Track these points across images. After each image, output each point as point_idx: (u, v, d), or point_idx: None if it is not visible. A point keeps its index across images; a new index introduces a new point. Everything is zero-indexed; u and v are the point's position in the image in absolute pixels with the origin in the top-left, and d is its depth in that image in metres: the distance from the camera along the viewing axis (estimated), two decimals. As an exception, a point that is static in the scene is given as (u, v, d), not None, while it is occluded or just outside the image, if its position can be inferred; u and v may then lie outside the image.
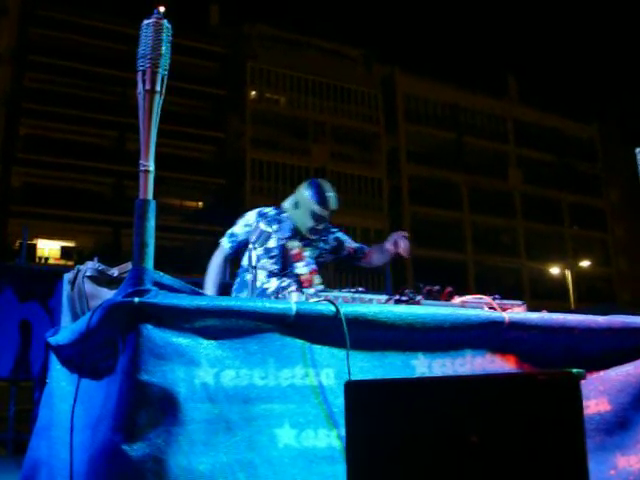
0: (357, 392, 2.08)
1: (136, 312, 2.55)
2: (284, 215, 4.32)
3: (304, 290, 3.37)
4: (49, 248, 32.06)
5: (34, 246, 29.69)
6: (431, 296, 3.48)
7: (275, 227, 4.26)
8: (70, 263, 29.23)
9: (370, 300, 3.32)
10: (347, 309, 2.90)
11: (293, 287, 4.03)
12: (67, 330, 3.46)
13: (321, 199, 4.20)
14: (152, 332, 2.55)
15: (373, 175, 38.57)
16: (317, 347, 2.84)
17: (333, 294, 3.28)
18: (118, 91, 33.13)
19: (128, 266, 3.66)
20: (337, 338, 2.84)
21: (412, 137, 40.55)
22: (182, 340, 2.60)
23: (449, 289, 3.57)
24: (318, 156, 34.05)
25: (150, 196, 2.76)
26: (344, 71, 38.84)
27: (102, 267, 3.62)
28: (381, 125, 39.79)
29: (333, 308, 2.86)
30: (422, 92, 41.36)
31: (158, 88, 2.87)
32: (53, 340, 3.66)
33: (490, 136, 43.23)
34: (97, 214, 31.65)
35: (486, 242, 41.14)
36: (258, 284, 4.09)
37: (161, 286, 2.67)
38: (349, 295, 3.32)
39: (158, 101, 2.88)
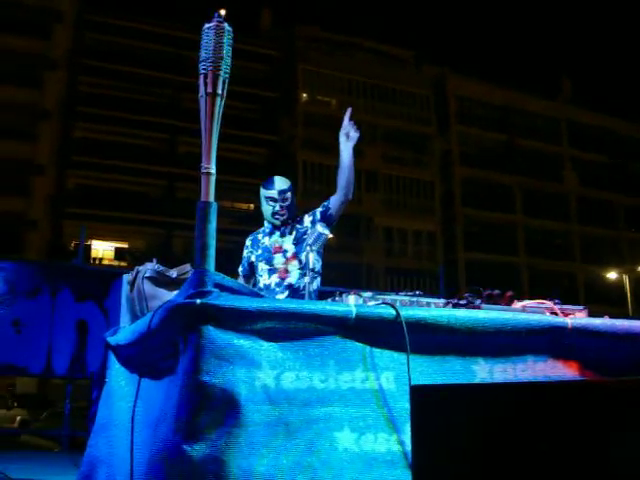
0: (423, 396, 2.06)
1: (198, 313, 2.57)
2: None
3: (361, 293, 3.35)
4: (103, 249, 32.64)
5: (89, 247, 30.25)
6: (491, 300, 3.43)
7: (261, 236, 4.58)
8: (123, 264, 29.71)
9: (429, 304, 3.30)
10: (407, 312, 2.88)
11: (275, 278, 4.35)
12: (127, 330, 3.50)
13: (266, 182, 4.51)
14: (213, 333, 2.57)
15: (425, 178, 38.33)
16: (377, 350, 2.83)
17: (391, 297, 3.26)
18: (170, 94, 33.56)
19: (187, 267, 3.69)
20: (397, 341, 2.83)
21: (464, 139, 40.21)
22: (243, 342, 2.61)
23: (509, 293, 3.52)
24: (370, 158, 33.97)
25: (211, 198, 2.79)
26: (395, 73, 38.70)
27: (161, 268, 3.65)
28: (433, 127, 39.54)
29: (393, 311, 2.85)
30: (474, 93, 40.97)
31: (220, 91, 2.89)
32: (112, 340, 3.71)
33: (544, 138, 42.58)
34: (149, 216, 32.08)
35: (540, 245, 40.52)
36: (262, 284, 4.40)
37: (222, 288, 2.68)
38: (407, 298, 3.29)
39: (219, 104, 2.89)
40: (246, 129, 34.41)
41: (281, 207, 4.42)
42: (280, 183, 4.47)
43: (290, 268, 4.35)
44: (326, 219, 4.41)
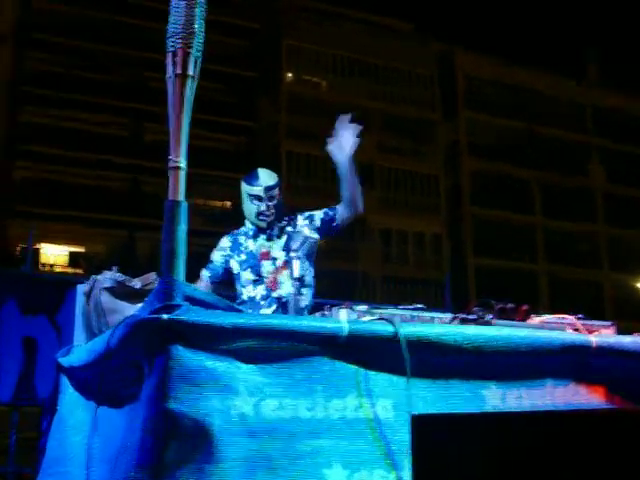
0: (426, 427, 2.07)
1: (165, 331, 2.56)
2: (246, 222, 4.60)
3: (354, 307, 3.36)
4: (55, 254, 32.55)
5: (38, 251, 30.17)
6: (504, 315, 3.45)
7: (243, 239, 4.54)
8: (78, 271, 29.65)
9: (432, 319, 3.32)
10: (407, 330, 2.89)
11: (261, 289, 4.34)
12: (82, 350, 3.50)
13: (250, 177, 4.46)
14: (183, 354, 2.56)
15: (429, 171, 38.46)
16: (372, 373, 2.84)
17: (389, 311, 3.27)
18: (135, 74, 33.52)
19: (152, 277, 3.70)
20: (395, 363, 2.84)
21: (474, 126, 40.36)
22: (218, 364, 2.61)
23: (525, 307, 3.54)
24: (365, 149, 33.68)
25: (181, 196, 2.79)
26: (395, 49, 38.81)
27: (122, 278, 3.66)
28: (438, 112, 39.67)
29: (391, 328, 2.85)
30: (486, 73, 41.15)
31: (191, 72, 2.89)
32: (65, 361, 3.71)
33: (567, 126, 42.78)
34: (109, 215, 32.01)
35: (561, 250, 40.69)
36: (245, 296, 4.38)
37: (193, 301, 2.68)
38: (408, 313, 3.31)
39: (191, 86, 2.90)
40: (221, 114, 34.42)
41: (267, 207, 4.37)
42: (266, 178, 4.43)
43: (281, 278, 4.34)
44: (329, 230, 4.41)
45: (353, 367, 2.82)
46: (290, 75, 37.30)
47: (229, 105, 35.66)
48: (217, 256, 4.58)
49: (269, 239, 4.43)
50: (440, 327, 3.04)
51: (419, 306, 3.39)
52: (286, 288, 4.29)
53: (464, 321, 3.32)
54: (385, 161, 37.01)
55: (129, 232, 32.31)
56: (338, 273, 30.44)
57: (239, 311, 2.84)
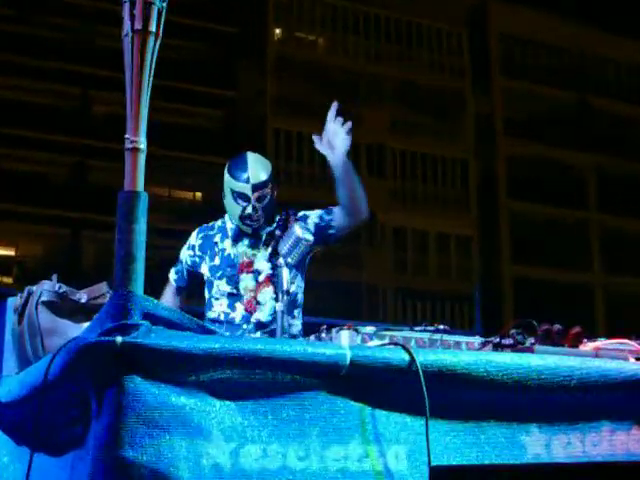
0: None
1: (119, 358, 2.56)
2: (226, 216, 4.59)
3: (359, 328, 3.37)
4: (-23, 258, 32.56)
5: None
6: (549, 339, 3.47)
7: (218, 237, 4.53)
8: (7, 280, 29.61)
9: (458, 344, 3.33)
10: (426, 358, 2.90)
11: (240, 309, 4.33)
12: (13, 382, 3.50)
13: (235, 167, 4.40)
14: (141, 388, 2.57)
15: (454, 155, 38.43)
16: (381, 413, 2.85)
17: (403, 334, 3.29)
18: (81, 28, 33.43)
19: (102, 288, 3.70)
20: (410, 401, 2.85)
21: (512, 98, 40.34)
22: (185, 400, 2.61)
23: (577, 329, 3.56)
24: (373, 126, 33.90)
25: (140, 186, 2.79)
26: None
27: (64, 289, 3.65)
28: (467, 80, 39.68)
29: (406, 356, 2.87)
30: (528, 31, 41.13)
31: (154, 27, 2.90)
32: (-9, 395, 3.71)
33: (631, 98, 42.78)
34: (48, 208, 31.90)
35: (623, 256, 40.66)
36: (222, 316, 4.36)
37: (155, 319, 2.68)
38: (426, 336, 3.32)
39: (153, 46, 2.90)
40: (192, 81, 34.37)
41: (255, 209, 4.32)
42: (257, 171, 4.36)
43: (262, 298, 4.32)
44: (325, 238, 4.36)
45: (357, 405, 2.83)
46: (278, 31, 37.26)
47: (201, 69, 35.54)
48: (184, 255, 4.60)
49: (253, 246, 4.40)
50: (468, 355, 3.06)
51: (441, 327, 3.41)
52: (267, 310, 4.28)
53: (498, 347, 3.34)
54: (399, 142, 36.97)
55: (73, 230, 32.27)
56: (339, 284, 30.47)
57: (213, 332, 2.84)
